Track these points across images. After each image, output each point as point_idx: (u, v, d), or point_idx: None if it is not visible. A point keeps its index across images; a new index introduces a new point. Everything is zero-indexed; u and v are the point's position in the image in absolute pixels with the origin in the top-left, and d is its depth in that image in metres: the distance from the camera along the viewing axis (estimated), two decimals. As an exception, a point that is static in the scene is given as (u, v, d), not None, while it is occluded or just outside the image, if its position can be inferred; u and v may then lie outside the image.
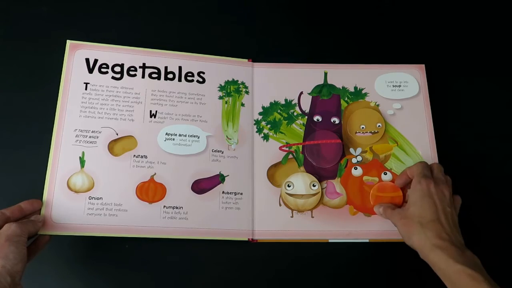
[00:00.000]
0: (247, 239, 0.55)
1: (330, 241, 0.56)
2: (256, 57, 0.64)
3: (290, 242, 0.55)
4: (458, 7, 0.69)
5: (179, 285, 0.54)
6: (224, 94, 0.61)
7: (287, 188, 0.57)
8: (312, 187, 0.57)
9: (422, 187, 0.50)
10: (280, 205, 0.57)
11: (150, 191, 0.55)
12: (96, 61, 0.60)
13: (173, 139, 0.58)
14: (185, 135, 0.58)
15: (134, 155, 0.56)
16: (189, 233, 0.54)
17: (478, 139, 0.62)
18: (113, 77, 0.59)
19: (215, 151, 0.58)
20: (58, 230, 0.51)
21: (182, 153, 0.57)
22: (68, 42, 0.59)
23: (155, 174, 0.56)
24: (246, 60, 0.64)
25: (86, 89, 0.58)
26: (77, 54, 0.59)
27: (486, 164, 0.60)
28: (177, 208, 0.55)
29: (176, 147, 0.57)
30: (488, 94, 0.64)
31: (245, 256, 0.55)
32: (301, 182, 0.57)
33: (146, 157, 0.56)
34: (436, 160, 0.59)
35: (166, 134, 0.58)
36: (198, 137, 0.58)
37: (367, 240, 0.55)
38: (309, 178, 0.58)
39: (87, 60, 0.59)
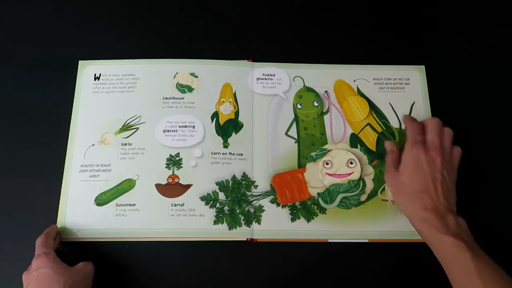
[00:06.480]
0: (246, 239, 0.55)
1: (329, 241, 0.55)
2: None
3: (290, 242, 0.55)
4: (458, 7, 0.69)
5: (178, 285, 0.54)
6: None
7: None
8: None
9: (413, 156, 0.52)
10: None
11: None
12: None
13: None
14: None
15: None
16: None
17: (478, 140, 0.61)
18: None
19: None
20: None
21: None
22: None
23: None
24: (246, 60, 0.64)
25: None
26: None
27: (486, 165, 0.60)
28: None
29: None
30: (488, 94, 0.64)
31: (244, 256, 0.55)
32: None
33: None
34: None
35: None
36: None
37: (367, 240, 0.55)
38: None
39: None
